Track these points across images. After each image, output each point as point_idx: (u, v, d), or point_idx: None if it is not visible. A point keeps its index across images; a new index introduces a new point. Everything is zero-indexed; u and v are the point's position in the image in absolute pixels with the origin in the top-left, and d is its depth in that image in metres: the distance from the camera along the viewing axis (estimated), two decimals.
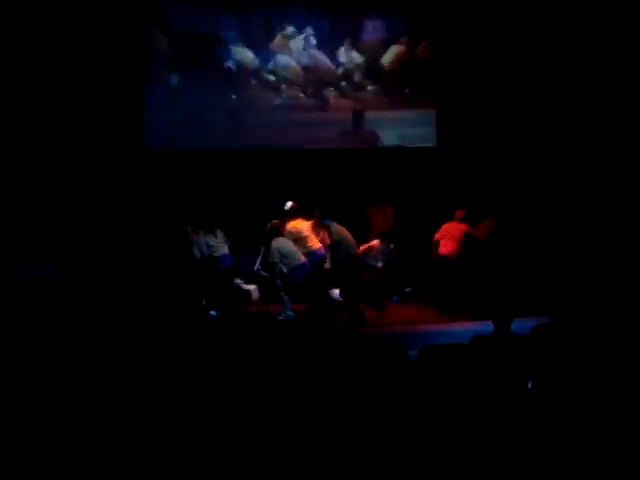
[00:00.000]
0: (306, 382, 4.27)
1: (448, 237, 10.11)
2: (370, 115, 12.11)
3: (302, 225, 9.97)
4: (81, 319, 9.02)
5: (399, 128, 12.17)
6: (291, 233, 9.87)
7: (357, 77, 12.08)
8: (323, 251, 9.90)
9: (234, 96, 11.86)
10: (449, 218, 10.31)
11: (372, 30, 12.06)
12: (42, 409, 3.83)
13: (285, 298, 9.52)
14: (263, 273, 10.42)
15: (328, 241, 10.02)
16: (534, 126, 11.56)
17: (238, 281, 10.82)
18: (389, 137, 12.19)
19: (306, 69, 11.97)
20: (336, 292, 10.39)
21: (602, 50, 10.82)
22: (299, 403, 3.83)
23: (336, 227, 10.04)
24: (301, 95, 11.99)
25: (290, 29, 11.89)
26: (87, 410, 3.77)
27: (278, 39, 11.88)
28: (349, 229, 10.16)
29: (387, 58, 12.12)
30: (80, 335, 7.76)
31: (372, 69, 12.10)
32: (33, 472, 3.34)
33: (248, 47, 11.80)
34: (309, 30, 11.91)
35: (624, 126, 10.68)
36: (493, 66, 11.79)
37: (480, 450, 3.13)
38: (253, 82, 11.84)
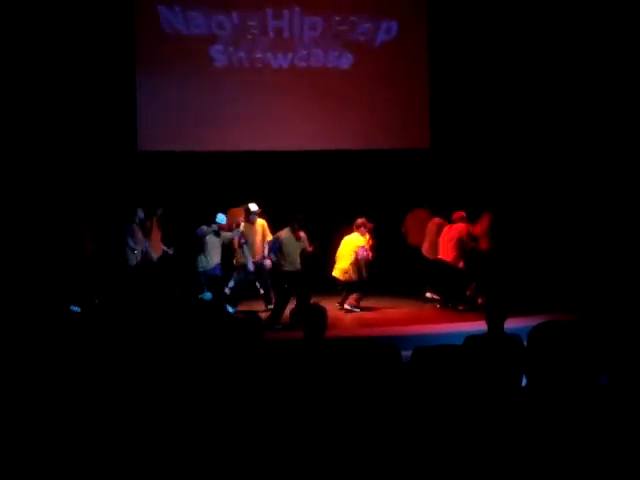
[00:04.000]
0: (298, 384, 4.25)
1: (447, 240, 10.10)
2: (362, 116, 12.09)
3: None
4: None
5: (392, 129, 12.15)
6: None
7: (351, 77, 12.07)
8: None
9: (227, 98, 11.85)
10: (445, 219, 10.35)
11: (366, 31, 12.05)
12: (40, 411, 3.83)
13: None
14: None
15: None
16: (528, 127, 11.58)
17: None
18: (382, 138, 12.17)
19: (299, 68, 11.97)
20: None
21: (598, 53, 10.84)
22: (291, 406, 3.81)
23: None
24: (295, 95, 11.98)
25: (284, 29, 11.89)
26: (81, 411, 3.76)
27: (273, 39, 11.88)
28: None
29: (381, 58, 12.12)
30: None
31: (366, 69, 12.10)
32: (33, 472, 3.33)
33: (242, 48, 11.79)
34: (303, 29, 11.90)
35: (622, 127, 10.70)
36: (487, 68, 11.81)
37: (474, 451, 3.11)
38: (246, 83, 11.83)
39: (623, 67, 10.61)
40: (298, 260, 9.42)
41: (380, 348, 4.90)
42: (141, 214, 9.88)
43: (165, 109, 11.61)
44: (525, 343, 3.68)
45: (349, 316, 9.78)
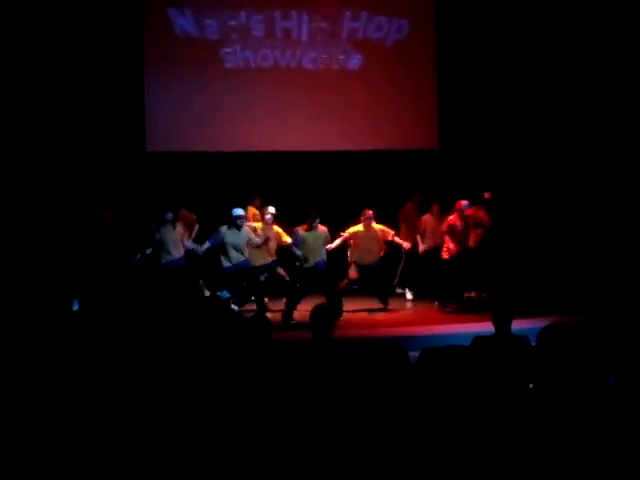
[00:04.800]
0: (306, 385, 4.25)
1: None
2: (370, 117, 12.09)
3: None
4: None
5: (400, 130, 12.14)
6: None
7: (358, 78, 12.07)
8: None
9: (235, 98, 11.86)
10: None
11: (373, 29, 12.05)
12: (42, 411, 3.84)
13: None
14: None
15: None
16: (537, 128, 11.56)
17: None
18: (389, 140, 12.17)
19: (306, 70, 11.97)
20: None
21: (603, 55, 10.81)
22: (299, 406, 3.82)
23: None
24: (302, 96, 11.98)
25: (291, 30, 11.89)
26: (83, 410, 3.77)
27: (281, 40, 11.89)
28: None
29: (389, 59, 12.11)
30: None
31: (373, 70, 12.09)
32: (33, 472, 3.33)
33: (250, 49, 11.81)
34: (310, 31, 11.91)
35: (627, 130, 10.67)
36: (496, 68, 11.79)
37: (481, 452, 3.11)
38: (254, 83, 11.84)
39: (630, 72, 10.59)
40: (319, 256, 9.54)
41: (387, 349, 4.91)
42: (169, 216, 9.79)
43: (173, 109, 11.63)
44: (533, 344, 3.67)
45: (356, 317, 9.77)
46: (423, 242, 10.80)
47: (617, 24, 10.64)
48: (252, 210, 10.72)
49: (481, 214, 10.16)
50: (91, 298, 9.58)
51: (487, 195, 10.43)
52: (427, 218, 10.82)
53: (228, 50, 11.79)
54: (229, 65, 11.84)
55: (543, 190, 11.38)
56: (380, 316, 9.81)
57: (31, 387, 4.16)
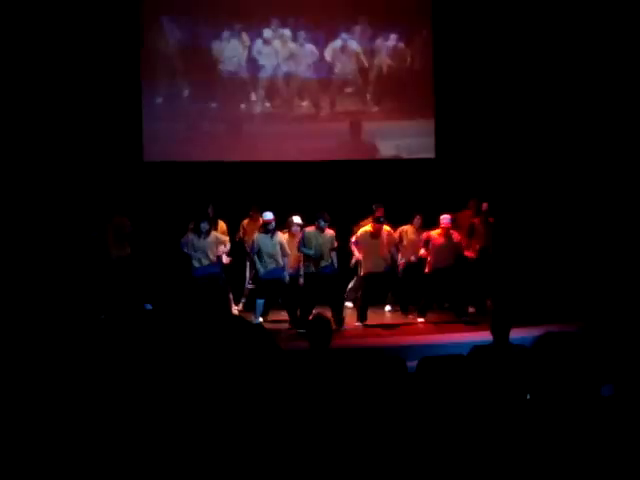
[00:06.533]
0: (304, 395, 4.25)
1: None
2: (368, 126, 12.11)
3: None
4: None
5: (397, 139, 12.17)
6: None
7: (355, 87, 12.11)
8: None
9: (232, 107, 11.89)
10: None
11: (370, 39, 12.09)
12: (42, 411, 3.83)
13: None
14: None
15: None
16: (533, 137, 11.59)
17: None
18: (387, 148, 12.19)
19: (304, 79, 12.00)
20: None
21: (607, 65, 10.85)
22: (297, 416, 3.81)
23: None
24: (299, 106, 12.01)
25: (288, 39, 11.93)
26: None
27: (278, 49, 11.92)
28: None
29: (385, 68, 12.15)
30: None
31: (370, 79, 12.12)
32: (33, 472, 3.33)
33: (246, 57, 11.85)
34: (307, 40, 11.95)
35: (621, 143, 10.72)
36: (492, 77, 11.81)
37: (479, 461, 3.11)
38: (251, 93, 11.87)
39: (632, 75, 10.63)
40: (325, 260, 9.38)
41: (385, 359, 4.91)
42: (204, 227, 9.54)
43: (171, 119, 11.65)
44: None
45: (354, 326, 9.73)
46: (402, 255, 10.31)
47: (616, 32, 10.69)
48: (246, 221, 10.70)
49: (476, 222, 10.20)
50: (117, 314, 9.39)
51: (485, 206, 10.38)
52: (407, 229, 10.45)
53: (224, 59, 11.80)
54: (226, 75, 11.86)
55: (540, 198, 11.40)
56: (378, 325, 9.77)
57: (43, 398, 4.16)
